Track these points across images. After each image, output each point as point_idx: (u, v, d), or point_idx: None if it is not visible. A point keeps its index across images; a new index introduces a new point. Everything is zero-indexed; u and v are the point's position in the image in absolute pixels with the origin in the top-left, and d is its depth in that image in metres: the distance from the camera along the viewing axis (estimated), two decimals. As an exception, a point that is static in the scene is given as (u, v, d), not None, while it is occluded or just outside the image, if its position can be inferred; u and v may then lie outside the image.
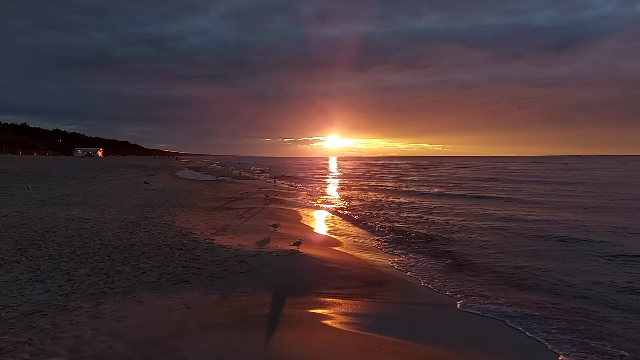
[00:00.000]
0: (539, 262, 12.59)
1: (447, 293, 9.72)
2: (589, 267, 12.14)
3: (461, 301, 9.17)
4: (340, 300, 8.48)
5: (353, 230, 18.27)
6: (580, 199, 29.77)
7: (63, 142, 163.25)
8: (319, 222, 19.92)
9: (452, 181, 51.65)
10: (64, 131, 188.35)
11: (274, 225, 15.31)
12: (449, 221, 20.31)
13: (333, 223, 19.81)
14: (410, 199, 31.08)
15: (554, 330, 7.70)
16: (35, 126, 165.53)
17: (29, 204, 19.99)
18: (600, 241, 15.27)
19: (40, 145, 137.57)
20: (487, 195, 33.38)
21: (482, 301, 9.18)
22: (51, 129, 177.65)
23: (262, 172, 79.03)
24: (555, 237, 16.31)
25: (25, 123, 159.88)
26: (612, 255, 13.29)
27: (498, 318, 8.29)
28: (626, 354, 6.85)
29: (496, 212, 23.38)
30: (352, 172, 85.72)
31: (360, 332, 7.01)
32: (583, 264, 12.42)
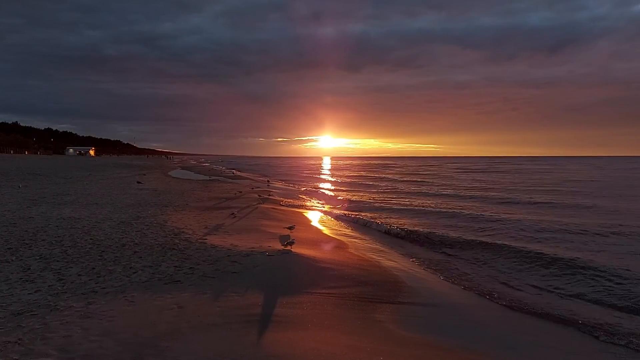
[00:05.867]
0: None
1: (439, 292, 9.78)
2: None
3: (454, 300, 9.23)
4: (333, 300, 8.49)
5: (345, 229, 18.29)
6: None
7: (55, 141, 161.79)
8: (312, 221, 19.92)
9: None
10: (56, 130, 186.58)
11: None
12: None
13: (325, 222, 19.83)
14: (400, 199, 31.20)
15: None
16: (27, 125, 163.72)
17: (19, 203, 19.81)
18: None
19: (31, 144, 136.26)
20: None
21: (478, 300, 9.27)
22: (43, 128, 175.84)
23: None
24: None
25: (16, 122, 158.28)
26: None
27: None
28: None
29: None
30: (333, 172, 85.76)
31: (353, 332, 7.02)
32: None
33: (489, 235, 17.01)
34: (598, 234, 16.62)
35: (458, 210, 23.61)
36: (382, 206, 26.81)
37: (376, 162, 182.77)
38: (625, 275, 11.09)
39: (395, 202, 29.34)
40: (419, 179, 56.47)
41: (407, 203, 28.15)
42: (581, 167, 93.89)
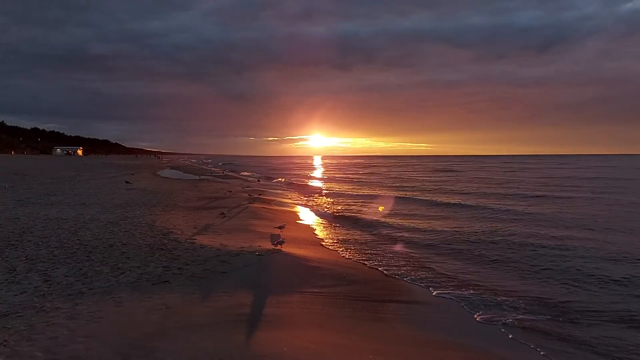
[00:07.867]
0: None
1: (431, 291, 9.82)
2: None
3: (437, 292, 9.28)
4: (323, 299, 8.50)
5: (336, 228, 18.30)
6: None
7: (42, 141, 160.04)
8: (303, 220, 19.91)
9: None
10: (43, 130, 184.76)
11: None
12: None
13: (316, 221, 19.83)
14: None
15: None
16: (13, 124, 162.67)
17: (5, 204, 19.53)
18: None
19: (18, 144, 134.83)
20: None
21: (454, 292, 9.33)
22: (29, 128, 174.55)
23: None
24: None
25: (2, 121, 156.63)
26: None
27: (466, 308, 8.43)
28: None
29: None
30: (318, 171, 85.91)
31: (342, 331, 7.03)
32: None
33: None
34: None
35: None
36: (358, 217, 26.84)
37: (364, 161, 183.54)
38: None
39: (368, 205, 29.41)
40: (385, 179, 56.61)
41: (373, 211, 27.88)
42: (543, 166, 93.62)
